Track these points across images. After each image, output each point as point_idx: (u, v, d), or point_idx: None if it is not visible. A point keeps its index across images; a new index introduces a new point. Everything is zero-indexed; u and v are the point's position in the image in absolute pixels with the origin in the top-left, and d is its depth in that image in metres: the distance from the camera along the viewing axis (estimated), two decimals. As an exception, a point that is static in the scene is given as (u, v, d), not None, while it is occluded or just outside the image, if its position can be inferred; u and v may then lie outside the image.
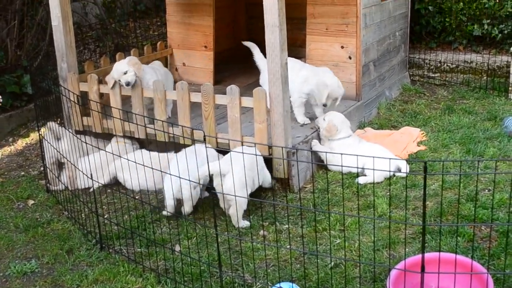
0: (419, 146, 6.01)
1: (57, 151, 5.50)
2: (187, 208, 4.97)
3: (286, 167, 5.26)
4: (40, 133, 5.85)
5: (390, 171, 5.28)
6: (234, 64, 7.92)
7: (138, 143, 6.08)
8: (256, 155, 4.89)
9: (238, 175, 4.51)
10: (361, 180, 5.36)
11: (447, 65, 8.23)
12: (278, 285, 3.90)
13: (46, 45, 8.24)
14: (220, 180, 4.73)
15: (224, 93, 5.33)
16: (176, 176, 4.26)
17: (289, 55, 5.23)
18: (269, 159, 5.25)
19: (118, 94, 5.89)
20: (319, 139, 5.77)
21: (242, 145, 5.09)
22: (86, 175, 4.83)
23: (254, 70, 6.31)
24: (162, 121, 5.49)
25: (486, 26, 8.08)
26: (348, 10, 6.44)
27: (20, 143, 7.25)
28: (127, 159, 4.69)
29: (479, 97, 7.42)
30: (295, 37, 7.32)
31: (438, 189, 5.11)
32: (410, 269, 3.57)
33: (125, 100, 6.02)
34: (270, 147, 5.25)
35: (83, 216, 5.09)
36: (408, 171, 5.42)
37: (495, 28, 8.06)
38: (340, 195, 5.14)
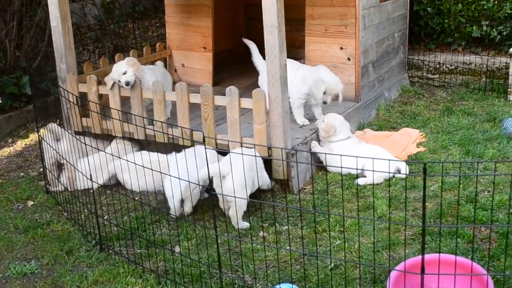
0: (419, 147, 6.01)
1: (56, 152, 5.50)
2: (186, 208, 4.98)
3: (285, 168, 5.26)
4: (39, 134, 5.84)
5: (389, 172, 5.29)
6: (233, 65, 7.93)
7: (138, 145, 6.07)
8: (255, 156, 4.90)
9: (238, 177, 4.51)
10: (361, 181, 5.36)
11: (446, 67, 8.25)
12: (278, 286, 3.91)
13: (45, 46, 8.24)
14: (219, 181, 4.73)
15: (223, 94, 5.33)
16: (175, 178, 4.26)
17: (288, 56, 5.23)
18: (269, 160, 5.25)
19: (117, 95, 5.89)
20: (319, 141, 5.77)
21: (242, 146, 5.09)
22: (86, 176, 4.83)
23: (253, 71, 6.31)
24: (162, 122, 5.49)
25: (485, 28, 8.10)
26: (347, 12, 6.44)
27: (20, 144, 7.24)
28: (127, 160, 4.69)
29: (478, 98, 7.43)
30: (294, 38, 7.33)
31: (437, 190, 5.12)
32: (410, 270, 3.57)
33: (125, 101, 6.01)
34: (269, 148, 5.25)
35: (82, 217, 5.09)
36: (407, 172, 5.42)
37: (494, 30, 8.07)
38: (340, 196, 5.14)
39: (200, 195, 5.12)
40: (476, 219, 4.59)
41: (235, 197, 4.35)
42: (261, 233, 4.75)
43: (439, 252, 4.00)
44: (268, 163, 5.26)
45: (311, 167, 5.59)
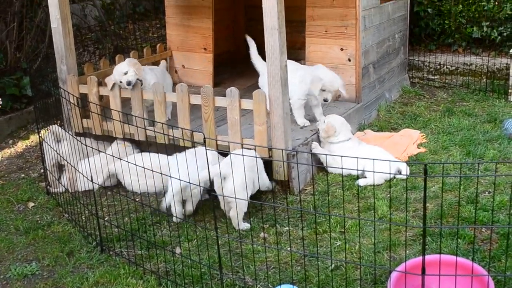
0: (419, 148, 6.01)
1: (57, 153, 5.50)
2: (189, 207, 4.97)
3: (286, 169, 5.26)
4: (40, 135, 5.84)
5: (390, 173, 5.28)
6: (233, 67, 7.93)
7: (138, 147, 6.07)
8: (256, 157, 4.90)
9: (239, 178, 4.51)
10: (361, 182, 5.36)
11: (446, 67, 8.25)
12: (278, 287, 3.91)
13: (46, 47, 8.24)
14: (220, 182, 4.73)
15: (224, 95, 5.33)
16: (176, 179, 4.26)
17: (288, 58, 5.23)
18: (269, 162, 5.25)
19: (117, 96, 5.89)
20: (319, 142, 5.77)
21: (242, 147, 5.09)
22: (86, 177, 4.83)
23: (253, 72, 6.32)
24: (162, 123, 5.49)
25: (485, 28, 8.10)
26: (347, 13, 6.45)
27: (20, 145, 7.24)
28: (127, 161, 4.69)
29: (479, 99, 7.42)
30: (294, 40, 7.33)
31: (438, 191, 5.12)
32: (410, 271, 3.57)
33: (125, 102, 6.02)
34: (270, 149, 5.26)
35: (83, 218, 5.09)
36: (408, 173, 5.42)
37: (495, 31, 8.07)
38: (340, 197, 5.14)
39: (201, 196, 5.11)
40: (476, 220, 4.59)
41: (235, 198, 4.35)
42: (261, 234, 4.75)
43: (440, 253, 4.00)
44: (268, 164, 5.26)
45: (312, 168, 5.59)
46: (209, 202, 5.22)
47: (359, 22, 6.43)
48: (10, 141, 7.37)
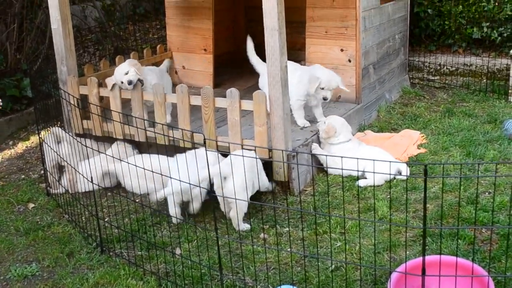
0: (419, 149, 6.01)
1: (57, 154, 5.50)
2: (194, 206, 4.95)
3: (286, 170, 5.26)
4: (40, 136, 5.85)
5: (390, 174, 5.28)
6: (233, 67, 7.93)
7: (137, 148, 6.07)
8: (256, 158, 4.89)
9: (239, 178, 4.51)
10: (362, 183, 5.36)
11: (446, 68, 8.24)
12: (279, 288, 3.91)
13: (46, 48, 8.24)
14: (220, 183, 4.73)
15: (224, 96, 5.34)
16: (176, 179, 4.26)
17: (288, 59, 5.24)
18: (270, 162, 5.25)
19: (118, 97, 5.90)
20: (319, 143, 5.77)
21: (242, 148, 5.09)
22: (87, 178, 4.83)
23: (253, 73, 6.32)
24: (162, 124, 5.49)
25: (485, 29, 8.09)
26: (348, 13, 6.45)
27: (20, 147, 7.25)
28: (127, 162, 4.70)
29: (479, 100, 7.42)
30: (294, 41, 7.33)
31: (438, 192, 5.12)
32: (411, 272, 3.57)
33: (125, 103, 6.02)
34: (270, 150, 5.26)
35: (83, 219, 5.09)
36: (408, 174, 5.42)
37: (495, 31, 8.06)
38: (341, 198, 5.14)
39: (202, 198, 5.11)
40: (477, 220, 4.58)
41: (235, 199, 4.35)
42: (262, 235, 4.75)
43: (440, 253, 3.99)
44: (269, 165, 5.26)
45: (312, 169, 5.59)
46: (209, 203, 5.22)
47: (359, 23, 6.43)
48: (10, 142, 7.37)
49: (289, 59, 5.27)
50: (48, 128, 5.84)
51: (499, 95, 7.46)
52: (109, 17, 10.14)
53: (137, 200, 5.28)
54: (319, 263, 4.24)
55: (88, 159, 5.12)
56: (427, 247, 4.31)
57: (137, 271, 4.37)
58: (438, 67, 8.28)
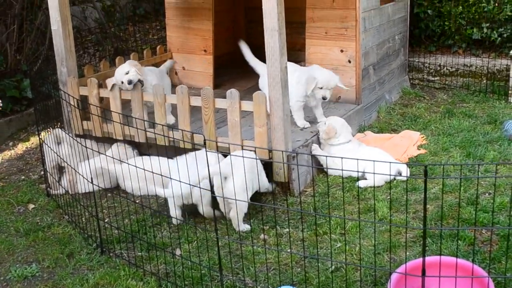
0: (419, 149, 6.01)
1: (57, 155, 5.51)
2: (204, 208, 4.94)
3: (286, 171, 5.26)
4: (40, 137, 5.85)
5: (390, 174, 5.28)
6: (233, 68, 7.92)
7: (137, 149, 6.07)
8: (256, 158, 4.89)
9: (239, 179, 4.51)
10: (362, 183, 5.36)
11: (446, 69, 8.25)
12: (279, 289, 3.91)
13: (46, 49, 8.25)
14: (220, 183, 4.73)
15: (224, 97, 5.34)
16: (176, 180, 4.26)
17: (288, 59, 5.23)
18: (270, 163, 5.25)
19: (118, 98, 5.90)
20: (319, 144, 5.77)
21: (242, 149, 5.09)
22: (87, 179, 4.83)
23: (253, 74, 6.32)
24: (162, 125, 5.49)
25: (485, 30, 8.10)
26: (347, 14, 6.45)
27: (20, 147, 7.25)
28: (128, 163, 4.69)
29: (479, 100, 7.42)
30: (294, 41, 7.33)
31: (438, 192, 5.12)
32: (411, 272, 3.57)
33: (125, 104, 6.02)
34: (270, 151, 5.26)
35: (83, 220, 5.09)
36: (408, 174, 5.42)
37: (495, 32, 8.07)
38: (341, 198, 5.14)
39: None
40: (477, 221, 4.58)
41: (235, 199, 4.35)
42: (262, 236, 4.75)
43: (440, 254, 3.99)
44: (269, 166, 5.26)
45: (312, 170, 5.59)
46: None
47: (359, 23, 6.44)
48: (10, 143, 7.37)
49: (289, 59, 5.27)
50: (48, 129, 5.84)
51: (499, 96, 7.46)
52: (109, 18, 10.14)
53: (137, 201, 5.28)
54: (319, 264, 4.24)
55: (88, 160, 5.12)
56: (427, 248, 4.31)
57: (137, 272, 4.37)
58: (438, 68, 8.29)
